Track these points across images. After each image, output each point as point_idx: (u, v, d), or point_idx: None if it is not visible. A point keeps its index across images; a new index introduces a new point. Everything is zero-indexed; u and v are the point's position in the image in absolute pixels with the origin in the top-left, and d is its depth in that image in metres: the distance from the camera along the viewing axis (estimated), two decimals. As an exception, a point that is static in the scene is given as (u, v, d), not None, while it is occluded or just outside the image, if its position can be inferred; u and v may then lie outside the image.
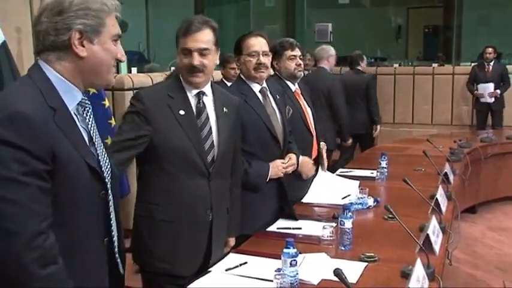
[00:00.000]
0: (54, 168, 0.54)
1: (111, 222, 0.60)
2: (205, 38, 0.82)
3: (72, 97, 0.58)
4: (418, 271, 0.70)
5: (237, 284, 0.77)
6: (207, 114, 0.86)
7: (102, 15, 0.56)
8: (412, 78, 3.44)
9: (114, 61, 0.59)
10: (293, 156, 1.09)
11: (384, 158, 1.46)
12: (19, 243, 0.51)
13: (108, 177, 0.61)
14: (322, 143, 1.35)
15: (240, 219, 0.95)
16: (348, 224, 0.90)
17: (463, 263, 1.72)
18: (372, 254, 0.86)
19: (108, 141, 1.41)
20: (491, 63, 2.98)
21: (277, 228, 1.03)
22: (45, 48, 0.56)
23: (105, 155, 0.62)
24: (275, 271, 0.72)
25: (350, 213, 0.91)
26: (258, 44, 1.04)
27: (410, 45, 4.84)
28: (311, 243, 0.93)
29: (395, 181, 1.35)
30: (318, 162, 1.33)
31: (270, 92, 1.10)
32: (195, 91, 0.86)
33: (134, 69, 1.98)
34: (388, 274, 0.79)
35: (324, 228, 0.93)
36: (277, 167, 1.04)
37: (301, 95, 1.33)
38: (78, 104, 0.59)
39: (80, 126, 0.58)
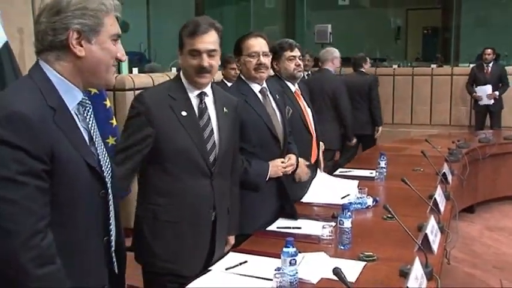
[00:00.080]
0: (53, 167, 0.54)
1: (110, 221, 0.61)
2: (212, 39, 0.83)
3: (72, 97, 0.58)
4: (417, 270, 0.71)
5: (237, 282, 0.78)
6: (209, 114, 0.87)
7: (100, 15, 0.56)
8: (411, 79, 3.47)
9: (114, 61, 0.59)
10: (293, 156, 1.10)
11: (383, 158, 1.47)
12: (16, 242, 0.51)
13: (109, 177, 0.61)
14: (320, 143, 1.36)
15: (239, 218, 0.96)
16: (347, 223, 0.90)
17: (461, 262, 1.72)
18: (371, 253, 0.86)
19: (110, 141, 1.43)
20: (490, 65, 3.00)
21: (277, 228, 1.03)
22: (45, 48, 0.57)
23: (106, 155, 0.62)
24: (275, 270, 0.72)
25: (349, 213, 0.92)
26: (258, 44, 1.05)
27: (409, 46, 4.88)
28: (310, 243, 0.93)
29: (394, 181, 1.35)
30: (317, 163, 1.35)
31: (270, 92, 1.11)
32: (196, 92, 0.87)
33: (135, 70, 1.98)
34: (386, 273, 0.80)
35: (323, 227, 0.93)
36: (277, 167, 1.05)
37: (301, 96, 1.34)
38: (78, 103, 0.59)
39: (80, 126, 0.59)
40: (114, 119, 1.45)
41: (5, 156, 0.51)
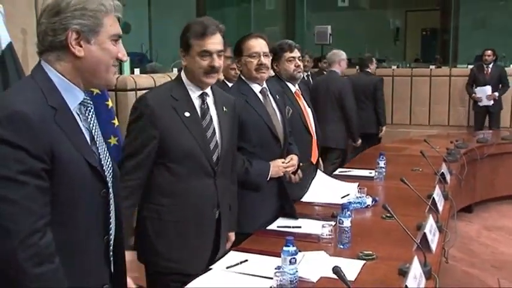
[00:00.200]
0: (54, 167, 0.54)
1: (110, 220, 0.61)
2: (220, 39, 0.85)
3: (73, 97, 0.58)
4: (415, 269, 0.72)
5: (238, 281, 0.78)
6: (211, 114, 0.88)
7: (99, 15, 0.57)
8: (409, 79, 3.49)
9: (115, 61, 0.59)
10: (294, 157, 1.11)
11: (382, 158, 1.48)
12: (14, 241, 0.51)
13: (110, 176, 0.61)
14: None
15: (239, 218, 0.96)
16: (347, 222, 0.91)
17: (459, 261, 1.73)
18: (370, 252, 0.87)
19: (111, 141, 1.44)
20: (490, 66, 3.02)
21: (277, 227, 1.04)
22: (45, 49, 0.57)
23: (107, 154, 0.62)
24: (275, 269, 0.73)
25: (349, 212, 0.92)
26: (259, 45, 1.06)
27: (408, 47, 4.91)
28: (310, 242, 0.94)
29: (393, 181, 1.36)
30: (318, 163, 1.35)
31: (270, 93, 1.12)
32: (198, 92, 0.87)
33: (137, 70, 1.98)
34: (385, 272, 0.80)
35: (323, 226, 0.94)
36: (278, 167, 1.06)
37: (301, 96, 1.35)
38: (80, 103, 0.59)
39: (82, 126, 0.59)
40: (116, 119, 1.46)
41: (5, 155, 0.51)
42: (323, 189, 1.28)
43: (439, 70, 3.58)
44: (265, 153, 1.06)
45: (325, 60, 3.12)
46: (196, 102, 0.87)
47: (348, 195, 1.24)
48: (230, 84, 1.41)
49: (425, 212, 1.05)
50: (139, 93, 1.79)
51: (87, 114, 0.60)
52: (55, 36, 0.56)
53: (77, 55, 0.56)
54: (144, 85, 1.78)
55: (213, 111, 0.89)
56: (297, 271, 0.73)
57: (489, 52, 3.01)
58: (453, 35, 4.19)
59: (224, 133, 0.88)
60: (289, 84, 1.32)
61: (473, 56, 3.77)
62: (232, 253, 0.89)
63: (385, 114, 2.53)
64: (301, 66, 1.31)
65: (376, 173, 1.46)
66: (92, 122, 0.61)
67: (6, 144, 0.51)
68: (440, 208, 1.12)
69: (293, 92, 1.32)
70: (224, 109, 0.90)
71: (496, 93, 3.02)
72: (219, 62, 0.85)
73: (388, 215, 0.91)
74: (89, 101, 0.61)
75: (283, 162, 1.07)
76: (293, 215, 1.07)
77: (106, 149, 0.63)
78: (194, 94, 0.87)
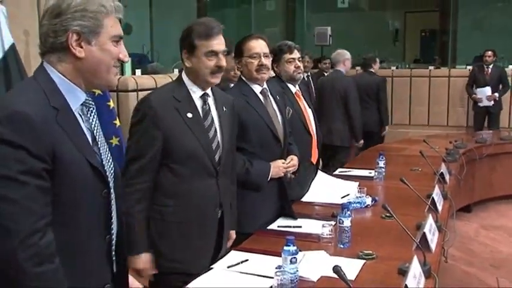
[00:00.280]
0: (55, 167, 0.54)
1: (112, 220, 0.61)
2: (223, 40, 0.86)
3: (75, 97, 0.59)
4: (415, 268, 0.72)
5: (239, 280, 0.78)
6: (212, 115, 0.88)
7: (99, 17, 0.57)
8: (409, 80, 3.51)
9: (116, 62, 0.59)
10: (295, 157, 1.12)
11: (382, 158, 1.49)
12: (14, 240, 0.51)
13: (111, 177, 0.61)
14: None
15: (240, 217, 0.97)
16: (347, 222, 0.91)
17: (459, 260, 1.73)
18: (370, 252, 0.87)
19: (113, 141, 1.44)
20: (491, 66, 3.04)
21: (278, 227, 1.05)
22: (47, 50, 0.58)
23: (109, 155, 0.62)
24: (276, 268, 0.73)
25: (349, 212, 0.93)
26: (259, 46, 1.07)
27: (408, 48, 4.94)
28: (311, 241, 0.94)
29: (392, 181, 1.37)
30: (318, 163, 1.35)
31: (271, 93, 1.13)
32: (200, 93, 0.88)
33: (138, 71, 1.98)
34: (385, 271, 0.81)
35: (323, 226, 0.94)
36: (278, 167, 1.06)
37: (301, 96, 1.35)
38: (82, 104, 0.60)
39: (83, 127, 0.59)
40: (117, 119, 1.46)
41: (6, 155, 0.52)
42: (324, 188, 1.29)
43: (438, 71, 3.60)
44: (265, 154, 1.06)
45: (325, 61, 3.18)
46: (198, 103, 0.87)
47: (348, 195, 1.25)
48: (231, 85, 1.41)
49: (424, 212, 1.06)
50: (141, 93, 1.80)
51: (89, 115, 0.61)
52: (56, 38, 0.57)
53: (77, 56, 0.57)
54: (145, 86, 1.79)
55: (214, 112, 0.89)
56: (297, 270, 0.74)
57: (489, 53, 3.02)
58: (452, 36, 4.22)
59: (225, 133, 0.89)
60: (290, 85, 1.33)
61: (472, 57, 3.80)
62: (233, 253, 0.90)
63: (388, 113, 2.56)
64: (301, 67, 1.32)
65: (376, 173, 1.46)
66: (93, 122, 0.61)
67: (7, 144, 0.52)
68: (439, 208, 1.13)
69: (293, 92, 1.33)
70: (224, 109, 0.90)
71: (496, 94, 3.03)
72: (224, 62, 0.85)
73: (388, 214, 0.91)
74: (90, 102, 0.61)
75: (283, 163, 1.07)
76: (292, 216, 1.08)
77: (108, 149, 0.63)
78: (195, 95, 0.87)
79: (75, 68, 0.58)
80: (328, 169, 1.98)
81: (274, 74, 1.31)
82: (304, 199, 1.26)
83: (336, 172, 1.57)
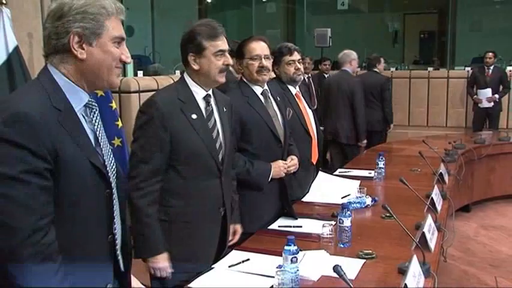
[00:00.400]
0: (57, 167, 0.55)
1: (115, 220, 0.61)
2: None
3: (78, 98, 0.59)
4: (414, 267, 0.73)
5: (240, 280, 0.79)
6: (214, 115, 0.90)
7: (100, 18, 0.58)
8: (408, 81, 3.53)
9: (118, 63, 0.60)
10: (295, 157, 1.13)
11: (381, 158, 1.50)
12: (16, 239, 0.52)
13: (114, 177, 0.62)
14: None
15: (241, 217, 0.97)
16: (347, 222, 0.92)
17: (458, 260, 1.74)
18: (370, 251, 0.88)
19: (115, 142, 1.44)
20: (491, 67, 3.06)
21: (279, 227, 1.05)
22: (50, 52, 0.59)
23: (111, 155, 0.63)
24: (276, 267, 0.74)
25: (349, 212, 0.94)
26: (260, 48, 1.08)
27: (407, 50, 4.97)
28: (311, 241, 0.95)
29: (392, 181, 1.39)
30: (318, 165, 1.36)
31: (271, 94, 1.14)
32: (203, 94, 0.89)
33: (140, 73, 1.99)
34: (385, 270, 0.82)
35: (323, 226, 0.95)
36: (279, 167, 1.07)
37: (301, 98, 1.36)
38: (85, 105, 0.60)
39: (86, 127, 0.60)
40: (119, 120, 1.47)
41: (8, 154, 0.52)
42: (324, 188, 1.29)
43: (437, 72, 3.63)
44: (266, 154, 1.07)
45: (325, 63, 3.21)
46: (201, 104, 0.88)
47: (349, 195, 1.25)
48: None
49: (424, 212, 1.06)
50: (143, 95, 1.81)
51: (91, 116, 0.60)
52: (58, 40, 0.57)
53: (79, 57, 0.58)
54: (147, 87, 1.79)
55: (215, 112, 0.90)
56: (298, 270, 0.74)
57: (490, 54, 3.05)
58: (451, 37, 4.25)
59: (226, 133, 0.90)
60: (290, 87, 1.34)
61: (470, 59, 3.84)
62: (234, 252, 0.91)
63: (392, 112, 2.57)
64: (301, 69, 1.33)
65: (376, 174, 1.47)
66: (96, 123, 0.61)
67: (10, 144, 0.52)
68: (438, 208, 1.14)
69: (293, 94, 1.34)
70: (224, 109, 0.92)
71: (496, 96, 3.06)
72: (231, 60, 0.88)
73: (388, 214, 0.92)
74: (93, 103, 0.62)
75: (284, 163, 1.08)
76: (292, 215, 1.08)
77: (110, 150, 0.63)
78: (198, 96, 0.88)
79: (77, 69, 0.58)
80: (333, 166, 2.03)
81: (274, 76, 1.32)
82: (304, 199, 1.26)
83: (336, 172, 1.58)
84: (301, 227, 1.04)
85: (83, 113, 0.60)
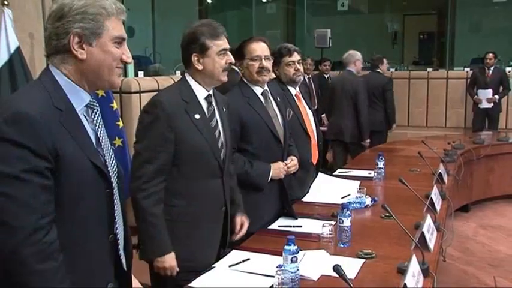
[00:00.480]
0: (57, 166, 0.55)
1: (116, 220, 0.62)
2: None
3: (79, 99, 0.60)
4: (414, 267, 0.73)
5: (240, 279, 0.79)
6: (216, 115, 0.90)
7: (100, 19, 0.58)
8: (407, 82, 3.55)
9: (119, 63, 0.60)
10: (295, 158, 1.13)
11: (381, 158, 1.50)
12: (18, 237, 0.52)
13: (114, 177, 0.62)
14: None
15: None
16: (347, 222, 0.92)
17: (457, 259, 1.75)
18: (370, 251, 0.88)
19: (116, 142, 1.45)
20: (492, 68, 3.08)
21: (279, 226, 1.06)
22: (51, 53, 0.59)
23: (112, 156, 0.63)
24: (276, 267, 0.74)
25: (348, 212, 0.94)
26: (260, 48, 1.08)
27: (406, 51, 4.99)
28: (311, 241, 0.96)
29: (391, 181, 1.39)
30: (318, 165, 1.36)
31: (271, 95, 1.14)
32: (204, 94, 0.89)
33: (141, 73, 2.00)
34: (384, 270, 0.82)
35: (323, 226, 0.95)
36: (279, 169, 1.08)
37: (301, 98, 1.37)
38: (86, 106, 0.61)
39: (88, 128, 0.60)
40: (120, 120, 1.48)
41: (9, 154, 0.52)
42: (324, 189, 1.30)
43: (437, 73, 3.64)
44: (266, 154, 1.08)
45: (325, 63, 3.24)
46: (203, 104, 0.89)
47: (349, 195, 1.26)
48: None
49: (423, 212, 1.07)
50: (143, 95, 1.81)
51: (93, 116, 0.61)
52: (58, 40, 0.58)
53: (79, 58, 0.58)
54: (148, 88, 1.80)
55: (216, 112, 0.91)
56: (298, 269, 0.75)
57: (490, 55, 3.06)
58: (450, 38, 4.26)
59: (226, 132, 0.91)
60: (290, 87, 1.34)
61: (469, 59, 3.86)
62: (234, 252, 0.91)
63: (394, 113, 2.60)
64: (301, 70, 1.33)
65: (375, 174, 1.48)
66: (97, 123, 0.61)
67: (11, 143, 0.53)
68: (438, 208, 1.14)
69: (293, 94, 1.34)
70: (224, 109, 0.92)
71: (496, 96, 3.07)
72: (233, 59, 0.89)
73: (387, 214, 0.92)
74: (95, 104, 0.62)
75: (285, 164, 1.09)
76: (292, 215, 1.09)
77: (111, 150, 0.64)
78: (200, 96, 0.89)
79: (78, 69, 0.59)
80: (335, 165, 2.05)
81: (275, 76, 1.32)
82: (304, 199, 1.27)
83: (336, 172, 1.59)
84: (301, 227, 1.04)
85: (84, 113, 0.61)
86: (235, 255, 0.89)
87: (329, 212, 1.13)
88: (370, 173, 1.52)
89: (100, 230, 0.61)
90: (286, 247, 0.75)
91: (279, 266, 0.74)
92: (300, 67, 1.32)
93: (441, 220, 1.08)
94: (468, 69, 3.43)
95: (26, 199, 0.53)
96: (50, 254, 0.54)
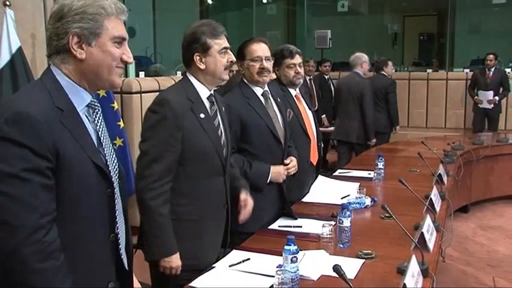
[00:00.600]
0: (58, 166, 0.55)
1: (117, 219, 0.62)
2: None
3: (80, 99, 0.60)
4: (413, 267, 0.73)
5: (240, 279, 0.80)
6: (218, 114, 0.91)
7: (99, 18, 0.58)
8: (407, 83, 3.56)
9: (119, 62, 0.60)
10: (294, 159, 1.13)
11: (381, 159, 1.51)
12: (18, 237, 0.52)
13: (116, 177, 0.62)
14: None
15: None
16: (347, 222, 0.93)
17: (456, 260, 1.75)
18: (369, 251, 0.88)
19: (117, 142, 1.45)
20: (492, 69, 3.09)
21: (279, 226, 1.06)
22: (52, 53, 0.60)
23: (113, 155, 0.63)
24: (276, 267, 0.74)
25: (348, 212, 0.94)
26: (261, 49, 1.09)
27: (406, 52, 5.02)
28: (311, 241, 0.96)
29: (391, 181, 1.40)
30: (319, 166, 1.37)
31: (272, 95, 1.14)
32: (207, 94, 0.90)
33: (142, 74, 2.00)
34: (384, 270, 0.82)
35: (323, 226, 0.95)
36: (279, 173, 1.08)
37: (301, 99, 1.37)
38: (88, 106, 0.61)
39: (90, 127, 0.60)
40: (121, 121, 1.48)
41: (9, 153, 0.53)
42: (324, 189, 1.30)
43: (436, 74, 3.65)
44: (266, 155, 1.08)
45: (325, 64, 3.27)
46: (206, 103, 0.89)
47: (348, 195, 1.26)
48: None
49: (422, 212, 1.07)
50: (144, 95, 1.80)
51: (94, 116, 0.61)
52: (59, 41, 0.58)
53: (78, 58, 0.58)
54: (149, 88, 1.79)
55: (218, 111, 0.92)
56: (298, 269, 0.75)
57: (491, 56, 3.08)
58: (450, 39, 4.28)
59: (227, 131, 0.92)
60: (290, 88, 1.34)
61: (469, 60, 3.87)
62: (234, 252, 0.91)
63: (397, 115, 2.63)
64: (302, 73, 1.33)
65: (375, 174, 1.48)
66: (99, 123, 0.61)
67: (11, 143, 0.53)
68: (437, 208, 1.14)
69: (293, 95, 1.35)
70: (223, 108, 0.93)
71: (497, 98, 3.08)
72: (234, 57, 0.90)
73: (387, 215, 0.93)
74: (96, 104, 0.62)
75: (285, 165, 1.09)
76: (291, 216, 1.09)
77: (113, 150, 0.64)
78: (203, 95, 0.89)
79: (78, 69, 0.59)
80: (339, 165, 2.07)
81: (275, 77, 1.33)
82: (304, 199, 1.27)
83: (336, 173, 1.59)
84: (301, 227, 1.04)
85: (85, 113, 0.61)
86: (235, 255, 0.90)
87: (329, 212, 1.14)
88: (370, 174, 1.52)
89: (101, 230, 0.61)
90: (286, 247, 0.75)
91: (279, 266, 0.75)
92: (301, 70, 1.32)
93: (440, 221, 1.09)
94: (468, 70, 3.45)
95: (26, 198, 0.53)
96: (50, 253, 0.54)
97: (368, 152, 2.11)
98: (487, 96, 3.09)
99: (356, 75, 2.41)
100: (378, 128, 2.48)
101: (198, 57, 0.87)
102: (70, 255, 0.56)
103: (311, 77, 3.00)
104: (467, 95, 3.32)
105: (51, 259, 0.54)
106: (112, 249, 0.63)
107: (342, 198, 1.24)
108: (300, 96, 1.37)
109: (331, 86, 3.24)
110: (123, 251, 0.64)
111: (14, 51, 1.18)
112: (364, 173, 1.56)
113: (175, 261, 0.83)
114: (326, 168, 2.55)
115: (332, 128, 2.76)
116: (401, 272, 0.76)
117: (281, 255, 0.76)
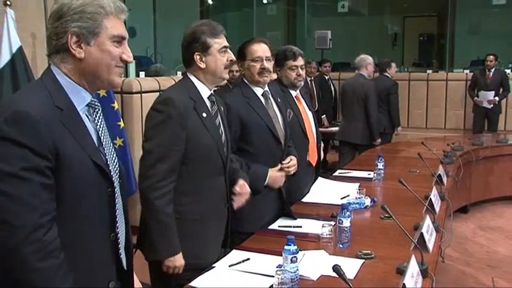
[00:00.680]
0: (58, 165, 0.55)
1: (117, 219, 0.62)
2: None
3: (80, 98, 0.60)
4: (413, 268, 0.74)
5: (240, 279, 0.80)
6: (218, 114, 0.91)
7: (98, 17, 0.58)
8: (407, 83, 3.57)
9: (119, 62, 0.60)
10: (294, 158, 1.14)
11: (381, 160, 1.51)
12: (19, 236, 0.52)
13: (116, 176, 0.62)
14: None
15: (239, 215, 0.97)
16: (346, 222, 0.93)
17: (455, 260, 1.76)
18: (369, 252, 0.89)
19: (117, 142, 1.45)
20: (492, 70, 3.11)
21: (279, 226, 1.06)
22: (52, 52, 0.60)
23: (114, 155, 0.63)
24: (276, 267, 0.74)
25: (348, 213, 0.95)
26: (262, 50, 1.09)
27: (406, 52, 5.02)
28: (311, 241, 0.96)
29: (391, 182, 1.40)
30: (318, 168, 1.37)
31: (272, 95, 1.15)
32: (208, 93, 0.90)
33: (142, 74, 2.00)
34: (384, 270, 0.82)
35: (323, 226, 0.95)
36: (276, 178, 1.08)
37: (301, 99, 1.37)
38: (88, 105, 0.61)
39: (90, 127, 0.60)
40: (121, 120, 1.48)
41: (9, 153, 0.53)
42: (324, 190, 1.31)
43: (436, 74, 3.66)
44: (266, 155, 1.08)
45: (325, 65, 3.30)
46: (207, 103, 0.90)
47: (348, 196, 1.26)
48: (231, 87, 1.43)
49: (422, 213, 1.07)
50: (145, 95, 1.80)
51: (94, 116, 0.61)
52: (58, 40, 0.58)
53: (77, 57, 0.58)
54: (149, 88, 1.80)
55: (218, 111, 0.93)
56: (297, 269, 0.75)
57: (491, 57, 3.09)
58: (450, 40, 4.29)
59: (227, 130, 0.93)
60: (290, 90, 1.34)
61: (469, 61, 3.88)
62: (234, 252, 0.91)
63: (398, 115, 2.66)
64: (303, 75, 1.32)
65: (375, 175, 1.49)
66: (99, 123, 0.61)
67: (11, 142, 0.53)
68: (437, 209, 1.15)
69: (293, 96, 1.35)
70: (222, 108, 0.94)
71: (497, 98, 3.09)
72: (233, 56, 0.91)
73: (387, 215, 0.93)
74: (96, 103, 0.62)
75: (282, 176, 1.08)
76: (291, 216, 1.09)
77: (113, 149, 0.64)
78: (204, 95, 0.89)
79: (77, 68, 0.59)
80: (340, 165, 2.08)
81: (276, 77, 1.32)
82: (304, 200, 1.27)
83: (336, 173, 1.60)
84: (301, 227, 1.05)
85: (86, 112, 0.61)
86: (235, 255, 0.90)
87: (329, 212, 1.14)
88: (369, 174, 1.53)
89: (101, 229, 0.61)
90: (286, 247, 0.75)
91: (279, 266, 0.75)
92: (302, 72, 1.32)
93: (440, 221, 1.09)
94: (468, 71, 3.47)
95: (26, 197, 0.53)
96: (50, 252, 0.54)
97: (368, 153, 2.11)
98: (487, 96, 3.10)
99: (361, 77, 2.43)
100: (380, 129, 2.50)
101: (198, 57, 0.87)
102: (70, 254, 0.56)
103: (312, 78, 3.02)
104: (467, 95, 3.34)
105: (51, 258, 0.54)
106: (112, 248, 0.62)
107: (341, 199, 1.24)
108: (300, 97, 1.37)
109: (331, 86, 3.26)
110: (122, 251, 0.64)
111: (14, 50, 1.19)
112: (364, 174, 1.57)
113: (179, 260, 0.83)
114: (326, 169, 2.56)
115: (332, 128, 2.79)
116: (401, 272, 0.76)
117: (281, 255, 0.76)
